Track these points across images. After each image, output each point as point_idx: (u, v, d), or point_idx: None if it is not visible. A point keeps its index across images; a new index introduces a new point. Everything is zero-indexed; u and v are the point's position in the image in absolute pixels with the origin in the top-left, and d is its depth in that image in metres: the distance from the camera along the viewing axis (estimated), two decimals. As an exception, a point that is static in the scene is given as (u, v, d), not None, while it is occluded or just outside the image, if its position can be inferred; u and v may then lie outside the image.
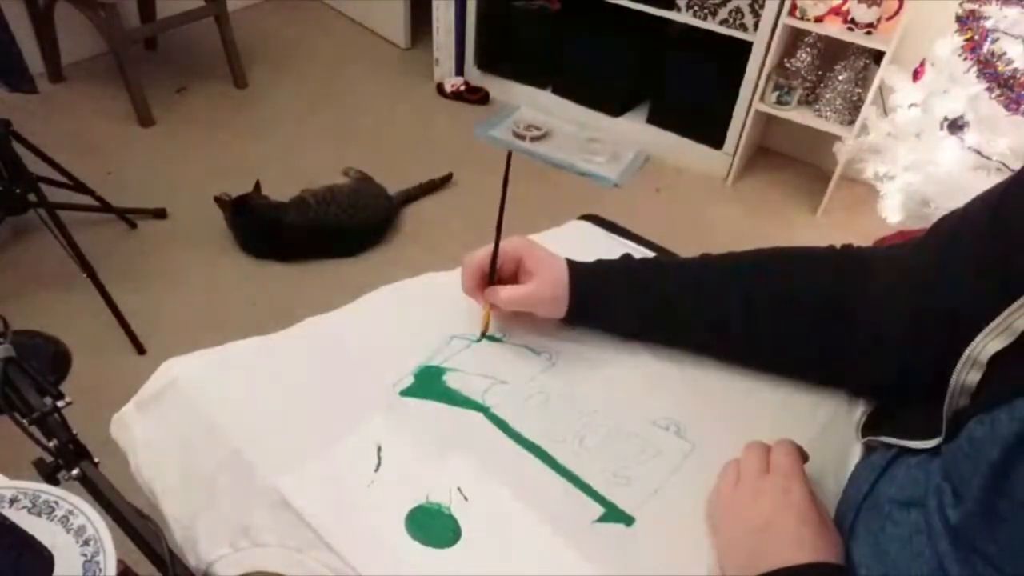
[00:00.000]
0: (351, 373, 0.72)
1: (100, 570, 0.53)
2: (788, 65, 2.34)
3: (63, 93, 2.70)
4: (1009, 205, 0.57)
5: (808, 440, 0.65)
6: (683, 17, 2.35)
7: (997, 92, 1.54)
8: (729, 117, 2.43)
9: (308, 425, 0.67)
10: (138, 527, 0.59)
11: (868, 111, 2.11)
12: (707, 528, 0.62)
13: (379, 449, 0.65)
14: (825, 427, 0.72)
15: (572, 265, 0.75)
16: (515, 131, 2.66)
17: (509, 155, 0.74)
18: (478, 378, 0.73)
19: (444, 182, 2.40)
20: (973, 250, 0.59)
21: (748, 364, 0.76)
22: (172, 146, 2.50)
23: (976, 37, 1.59)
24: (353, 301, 0.82)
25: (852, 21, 2.10)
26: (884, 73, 2.05)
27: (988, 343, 0.52)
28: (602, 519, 0.62)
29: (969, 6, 1.63)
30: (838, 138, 2.23)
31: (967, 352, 0.53)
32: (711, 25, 2.31)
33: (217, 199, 2.09)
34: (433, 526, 0.59)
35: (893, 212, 1.82)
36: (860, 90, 2.25)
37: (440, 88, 2.90)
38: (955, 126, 1.64)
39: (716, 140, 2.51)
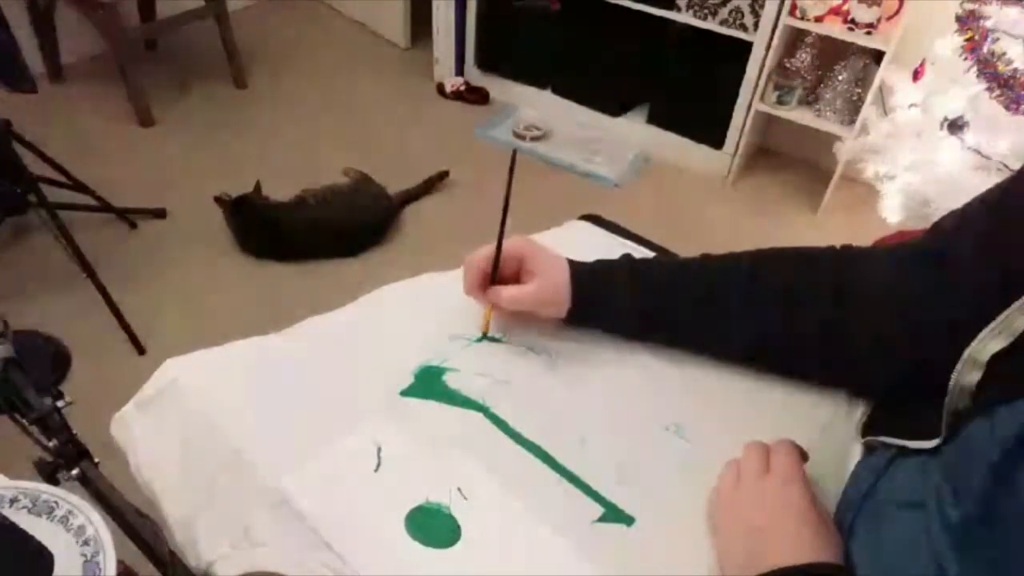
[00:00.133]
0: (351, 373, 0.72)
1: (100, 570, 0.53)
2: (788, 65, 2.34)
3: (63, 93, 2.70)
4: (1009, 205, 0.57)
5: (808, 440, 0.65)
6: (683, 17, 2.35)
7: (997, 92, 1.54)
8: (729, 117, 2.43)
9: (308, 425, 0.67)
10: (138, 527, 0.59)
11: (868, 111, 2.11)
12: (707, 528, 0.62)
13: (379, 449, 0.65)
14: (825, 427, 0.72)
15: (573, 265, 0.75)
16: (515, 131, 2.66)
17: (514, 154, 0.74)
18: (478, 378, 0.73)
19: (440, 179, 2.40)
20: (972, 250, 0.59)
21: (748, 364, 0.76)
22: (172, 146, 2.50)
23: (976, 37, 1.58)
24: (353, 301, 0.82)
25: (852, 21, 2.10)
26: (884, 73, 2.05)
27: (988, 343, 0.52)
28: (602, 519, 0.62)
29: (969, 6, 1.63)
30: (838, 138, 2.23)
31: (967, 352, 0.53)
32: (711, 25, 2.31)
33: (217, 199, 2.09)
34: (433, 526, 0.59)
35: (893, 212, 1.82)
36: (860, 90, 2.25)
37: (440, 88, 2.90)
38: (955, 126, 1.63)
39: (716, 140, 2.51)
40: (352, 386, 0.71)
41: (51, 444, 0.61)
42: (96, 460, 0.63)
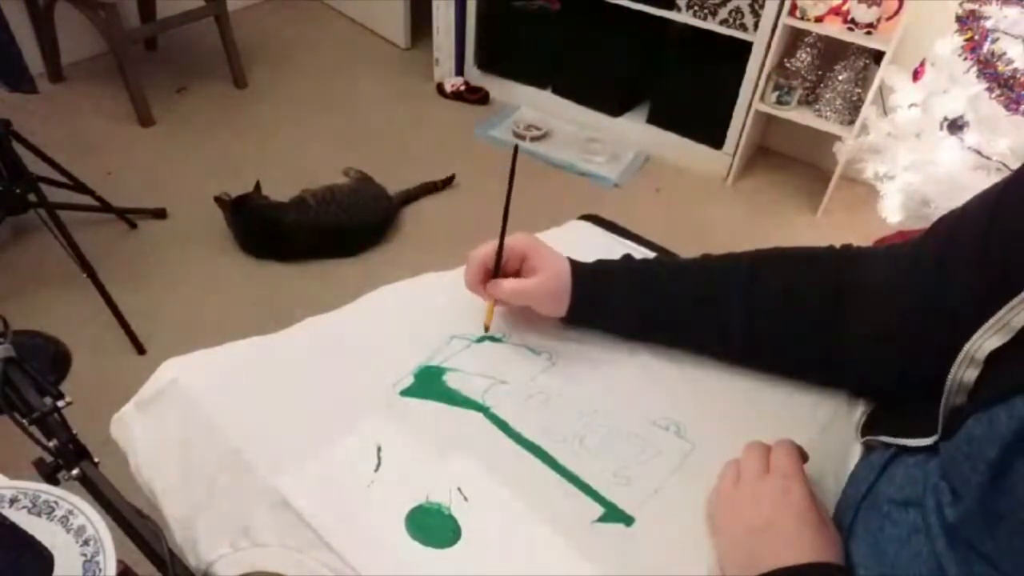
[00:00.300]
0: (351, 373, 0.72)
1: (100, 570, 0.53)
2: (788, 65, 2.34)
3: (63, 93, 2.70)
4: (1008, 204, 0.57)
5: (808, 440, 0.65)
6: (683, 17, 2.35)
7: (997, 92, 1.54)
8: (729, 117, 2.43)
9: (308, 425, 0.67)
10: (138, 527, 0.59)
11: (868, 111, 2.11)
12: (707, 528, 0.62)
13: (379, 449, 0.65)
14: (825, 427, 0.72)
15: (574, 265, 0.75)
16: (515, 131, 2.66)
17: (516, 149, 0.74)
18: (478, 378, 0.73)
19: (446, 184, 2.40)
20: (971, 249, 0.59)
21: (748, 364, 0.76)
22: (172, 146, 2.50)
23: (976, 37, 1.59)
24: (353, 301, 0.82)
25: (852, 21, 2.10)
26: (884, 73, 2.05)
27: (985, 341, 0.52)
28: (602, 519, 0.62)
29: (969, 6, 1.63)
30: (838, 138, 2.23)
31: (964, 350, 0.53)
32: (711, 25, 2.31)
33: (217, 199, 2.09)
34: (433, 526, 0.59)
35: (893, 212, 1.82)
36: (860, 90, 2.25)
37: (440, 88, 2.90)
38: (955, 126, 1.63)
39: (716, 140, 2.51)
40: (352, 386, 0.71)
41: (51, 444, 0.61)
42: (96, 460, 0.63)
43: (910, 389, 0.66)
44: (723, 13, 2.28)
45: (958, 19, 1.65)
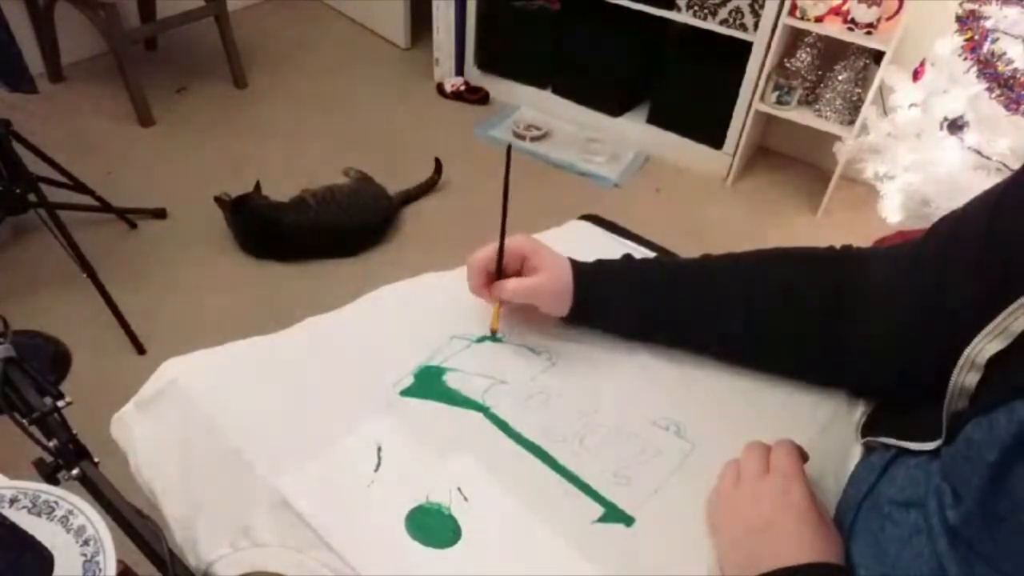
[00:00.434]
0: (351, 373, 0.72)
1: (100, 570, 0.53)
2: (788, 65, 2.34)
3: (63, 93, 2.70)
4: (1008, 206, 0.57)
5: (808, 440, 0.65)
6: (683, 17, 2.35)
7: (997, 92, 1.54)
8: (729, 117, 2.43)
9: (308, 425, 0.67)
10: (138, 527, 0.59)
11: (868, 111, 2.11)
12: (707, 528, 0.62)
13: (379, 449, 0.65)
14: (825, 427, 0.72)
15: (574, 264, 0.75)
16: (515, 131, 2.66)
17: (509, 148, 0.74)
18: (478, 378, 0.73)
19: (438, 172, 2.39)
20: (971, 251, 0.59)
21: (748, 364, 0.76)
22: (172, 146, 2.50)
23: (976, 37, 1.58)
24: (353, 301, 0.82)
25: (852, 21, 2.10)
26: (884, 73, 2.05)
27: (986, 345, 0.52)
28: (602, 519, 0.62)
29: (969, 6, 1.63)
30: (838, 138, 2.23)
31: (965, 354, 0.53)
32: (711, 25, 2.31)
33: (217, 199, 2.09)
34: (433, 526, 0.60)
35: (893, 212, 1.82)
36: (860, 90, 2.25)
37: (440, 88, 2.90)
38: (955, 126, 1.63)
39: (716, 140, 2.51)
40: (352, 386, 0.71)
41: (51, 444, 0.61)
42: (96, 460, 0.63)
43: (910, 389, 0.66)
44: (723, 13, 2.28)
45: (958, 19, 1.65)
